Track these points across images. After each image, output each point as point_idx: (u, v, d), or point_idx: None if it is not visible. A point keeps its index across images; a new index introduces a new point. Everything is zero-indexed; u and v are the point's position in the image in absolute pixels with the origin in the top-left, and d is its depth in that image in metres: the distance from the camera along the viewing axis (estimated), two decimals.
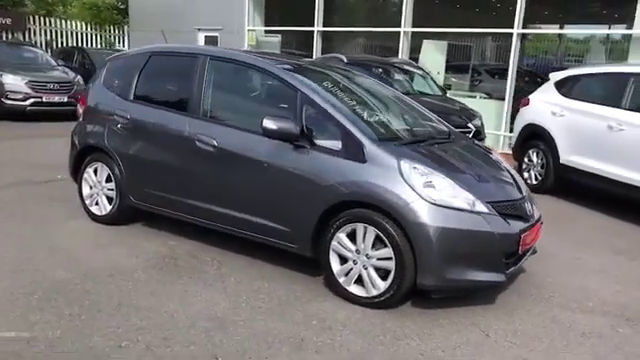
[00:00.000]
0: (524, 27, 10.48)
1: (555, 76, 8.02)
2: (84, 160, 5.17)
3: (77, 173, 5.32)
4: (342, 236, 3.72)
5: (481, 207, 3.57)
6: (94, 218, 5.14)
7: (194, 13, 15.88)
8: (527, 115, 8.10)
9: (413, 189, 3.49)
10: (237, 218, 4.20)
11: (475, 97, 11.70)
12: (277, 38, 14.67)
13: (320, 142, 3.84)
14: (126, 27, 20.82)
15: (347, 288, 3.75)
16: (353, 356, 3.10)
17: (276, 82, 4.26)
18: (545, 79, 8.68)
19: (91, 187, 5.16)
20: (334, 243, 3.76)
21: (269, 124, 3.81)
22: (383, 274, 3.62)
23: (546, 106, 7.66)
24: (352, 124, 3.80)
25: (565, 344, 3.40)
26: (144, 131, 4.72)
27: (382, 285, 3.61)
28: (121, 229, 5.00)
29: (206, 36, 15.97)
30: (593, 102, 7.04)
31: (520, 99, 8.79)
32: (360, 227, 3.64)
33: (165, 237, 4.83)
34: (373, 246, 3.62)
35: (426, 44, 12.54)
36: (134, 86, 4.89)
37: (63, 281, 3.84)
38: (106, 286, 3.81)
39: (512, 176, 4.28)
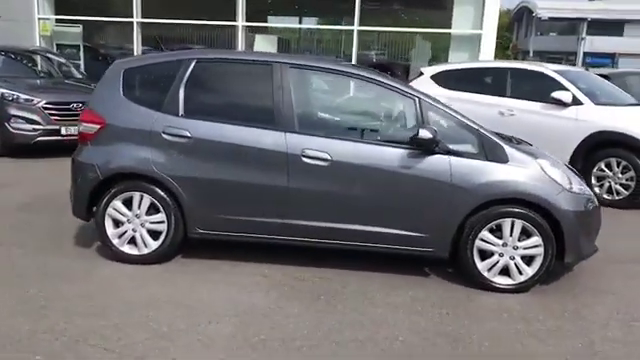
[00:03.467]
0: (361, 25, 11.49)
1: (429, 71, 9.17)
2: (107, 191, 4.22)
3: (89, 210, 4.32)
4: (486, 233, 4.02)
5: (588, 189, 4.27)
6: (127, 259, 4.27)
7: None
8: None
9: (556, 182, 4.00)
10: (361, 232, 4.09)
11: None
12: (78, 29, 12.93)
13: (451, 147, 4.02)
14: None
15: (493, 280, 4.07)
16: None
17: (381, 89, 4.21)
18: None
19: (119, 223, 4.25)
20: (478, 241, 4.02)
21: (426, 134, 3.83)
22: (527, 261, 4.05)
23: None
24: (482, 127, 4.09)
25: None
26: (214, 151, 4.13)
27: (530, 271, 4.04)
28: (174, 268, 4.28)
29: None
30: (478, 92, 8.36)
31: None
32: (507, 222, 3.99)
33: (240, 266, 4.33)
34: (519, 238, 4.01)
35: (258, 38, 12.71)
36: (181, 99, 4.19)
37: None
38: (277, 326, 3.39)
39: None
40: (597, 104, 7.27)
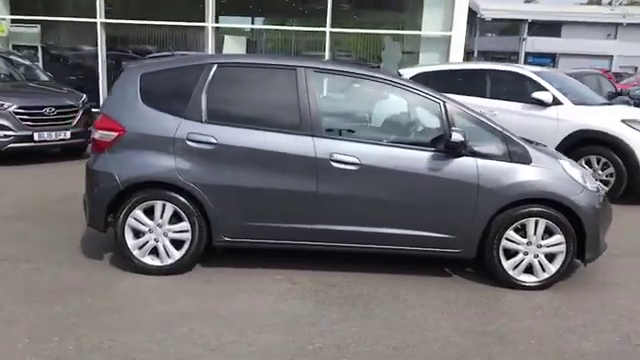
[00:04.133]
0: (333, 27, 11.52)
1: (408, 72, 9.29)
2: (126, 201, 4.07)
3: (105, 220, 4.15)
4: (512, 233, 4.12)
5: (600, 187, 4.45)
6: (149, 271, 4.13)
7: None
8: None
9: (577, 182, 4.14)
10: (390, 235, 4.11)
11: None
12: (36, 29, 12.39)
13: (477, 149, 4.10)
14: None
15: (518, 278, 4.18)
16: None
17: (406, 93, 4.25)
18: None
19: (140, 233, 4.11)
20: (504, 241, 4.12)
21: (458, 137, 3.89)
22: (549, 259, 4.17)
23: None
24: (505, 129, 4.18)
25: None
26: (241, 157, 4.04)
27: (553, 268, 4.16)
28: (196, 278, 4.16)
29: None
30: (459, 94, 8.51)
31: None
32: (531, 221, 4.10)
33: (265, 273, 4.25)
34: (542, 237, 4.13)
35: (227, 39, 12.54)
36: (203, 104, 4.09)
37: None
38: (326, 333, 3.36)
39: None
40: (575, 104, 7.57)
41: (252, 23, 14.44)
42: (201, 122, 4.07)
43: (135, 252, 4.13)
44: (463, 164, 4.05)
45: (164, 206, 4.07)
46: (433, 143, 4.06)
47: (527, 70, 8.17)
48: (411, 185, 4.06)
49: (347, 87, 4.46)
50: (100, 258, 4.45)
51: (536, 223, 4.10)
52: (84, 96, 8.86)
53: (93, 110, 8.60)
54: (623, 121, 7.17)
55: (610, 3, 45.94)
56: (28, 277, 4.06)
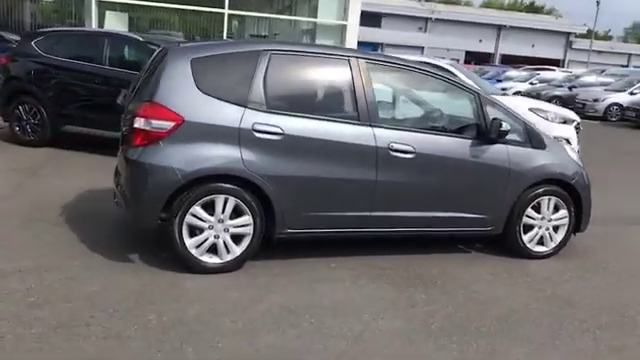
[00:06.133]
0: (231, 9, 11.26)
1: None
2: (184, 196, 3.77)
3: (159, 218, 3.81)
4: (530, 210, 4.68)
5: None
6: (207, 269, 3.90)
7: None
8: None
9: (577, 163, 4.85)
10: (439, 218, 4.41)
11: None
12: None
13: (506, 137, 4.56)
14: None
15: (534, 249, 4.76)
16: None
17: (447, 85, 4.55)
18: None
19: (197, 230, 3.85)
20: (525, 217, 4.67)
21: (507, 126, 4.29)
22: (555, 231, 4.83)
23: None
24: (525, 119, 4.70)
25: None
26: (306, 147, 3.98)
27: (558, 239, 4.82)
28: (255, 272, 4.01)
29: None
30: None
31: None
32: (546, 199, 4.70)
33: (309, 263, 4.26)
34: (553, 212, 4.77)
35: (109, 14, 11.52)
36: (263, 93, 3.93)
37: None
38: (434, 312, 3.58)
39: None
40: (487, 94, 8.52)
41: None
42: (264, 112, 3.91)
43: (193, 251, 3.85)
44: (497, 150, 4.48)
45: (226, 200, 3.85)
46: (475, 131, 4.42)
47: (442, 62, 8.94)
48: (457, 170, 4.39)
49: (398, 78, 4.61)
50: (144, 260, 4.04)
51: (549, 200, 4.72)
52: None
53: None
54: (530, 109, 8.28)
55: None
56: (74, 288, 3.56)
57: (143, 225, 3.91)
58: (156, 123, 3.74)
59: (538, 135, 4.71)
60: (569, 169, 4.77)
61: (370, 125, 4.13)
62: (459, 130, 4.51)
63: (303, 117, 4.02)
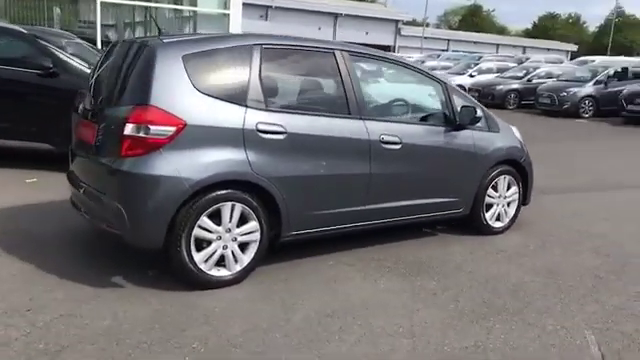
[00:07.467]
0: None
1: None
2: (190, 207, 3.44)
3: (166, 234, 3.43)
4: (491, 190, 5.02)
5: None
6: (217, 284, 3.62)
7: None
8: None
9: (522, 143, 5.28)
10: (421, 205, 4.55)
11: None
12: None
13: None
14: None
15: (494, 225, 5.12)
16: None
17: (419, 76, 4.65)
18: None
19: (204, 243, 3.55)
20: (487, 197, 4.99)
21: (480, 113, 4.52)
22: (509, 206, 5.23)
23: None
24: (481, 105, 5.00)
25: None
26: (308, 145, 3.85)
27: (511, 213, 5.24)
28: (263, 279, 3.82)
29: None
30: None
31: None
32: (501, 179, 5.07)
33: (307, 262, 4.17)
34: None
35: None
36: (260, 90, 3.71)
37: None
38: (462, 300, 3.72)
39: None
40: None
41: None
42: (265, 110, 3.69)
43: (201, 266, 3.54)
44: (466, 135, 4.72)
45: (233, 207, 3.59)
46: (448, 119, 4.61)
47: None
48: (436, 158, 4.56)
49: (377, 70, 4.59)
50: (119, 285, 3.61)
51: (504, 179, 5.09)
52: None
53: None
54: None
55: None
56: (83, 326, 3.08)
57: (147, 246, 3.48)
58: (155, 129, 3.34)
59: (494, 119, 5.05)
60: (518, 149, 5.20)
61: (361, 118, 4.11)
62: (434, 118, 4.67)
63: (302, 114, 3.88)
